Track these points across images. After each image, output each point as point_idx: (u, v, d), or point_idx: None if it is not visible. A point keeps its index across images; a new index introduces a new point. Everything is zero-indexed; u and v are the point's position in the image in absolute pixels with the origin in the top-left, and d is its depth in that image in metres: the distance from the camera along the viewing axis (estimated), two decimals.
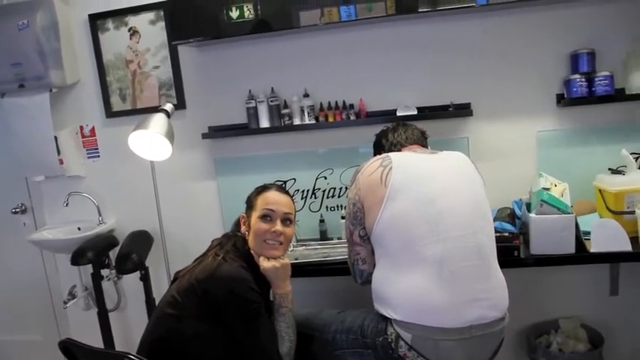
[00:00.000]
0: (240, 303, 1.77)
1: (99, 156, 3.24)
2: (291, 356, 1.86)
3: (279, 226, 1.92)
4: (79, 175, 3.26)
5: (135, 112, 3.09)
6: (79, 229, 3.20)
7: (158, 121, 2.53)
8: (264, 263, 1.91)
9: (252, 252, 1.93)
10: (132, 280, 3.11)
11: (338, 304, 2.15)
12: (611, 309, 2.78)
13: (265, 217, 1.92)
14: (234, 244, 1.94)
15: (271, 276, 1.92)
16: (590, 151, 2.69)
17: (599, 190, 2.47)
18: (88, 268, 3.03)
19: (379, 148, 2.20)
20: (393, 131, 2.18)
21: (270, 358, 1.82)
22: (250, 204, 1.99)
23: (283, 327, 1.88)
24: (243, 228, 1.99)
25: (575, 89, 2.57)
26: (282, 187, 2.04)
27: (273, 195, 1.96)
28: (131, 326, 3.38)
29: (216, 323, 1.78)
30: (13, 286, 3.52)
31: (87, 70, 3.15)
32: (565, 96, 2.64)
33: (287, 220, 1.95)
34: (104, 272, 3.09)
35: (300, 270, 2.36)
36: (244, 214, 2.01)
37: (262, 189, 2.00)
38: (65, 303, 3.27)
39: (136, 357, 1.69)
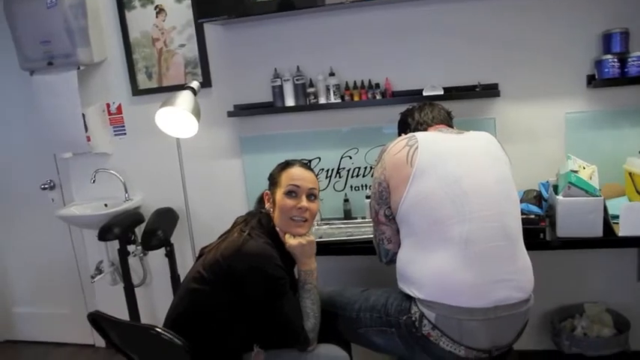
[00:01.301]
0: (266, 279, 1.79)
1: (125, 133, 3.27)
2: (315, 332, 1.87)
3: (304, 202, 1.92)
4: (106, 152, 3.30)
5: (161, 90, 3.11)
6: (105, 205, 3.25)
7: (185, 98, 2.54)
8: (290, 240, 1.92)
9: (277, 229, 1.94)
10: (157, 256, 3.16)
11: (361, 283, 2.15)
12: (638, 294, 2.75)
13: (290, 193, 1.92)
14: (259, 220, 1.95)
15: (297, 253, 1.93)
16: (620, 133, 2.63)
17: (629, 174, 2.42)
18: (115, 244, 3.08)
19: (405, 126, 2.18)
20: (420, 110, 2.15)
21: (296, 334, 1.84)
22: (274, 180, 1.99)
23: (308, 304, 1.89)
24: (267, 205, 1.99)
25: (606, 70, 2.51)
26: (305, 163, 2.04)
27: (297, 171, 1.96)
28: (156, 301, 3.43)
29: (241, 299, 1.80)
30: (42, 260, 3.60)
31: (114, 48, 3.17)
32: (596, 77, 2.58)
33: (312, 195, 1.95)
34: (130, 248, 3.14)
35: (324, 248, 2.37)
36: (268, 191, 2.01)
37: (286, 165, 2.00)
38: (92, 278, 3.33)
39: (162, 330, 1.73)
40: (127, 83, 3.19)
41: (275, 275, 1.80)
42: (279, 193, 1.94)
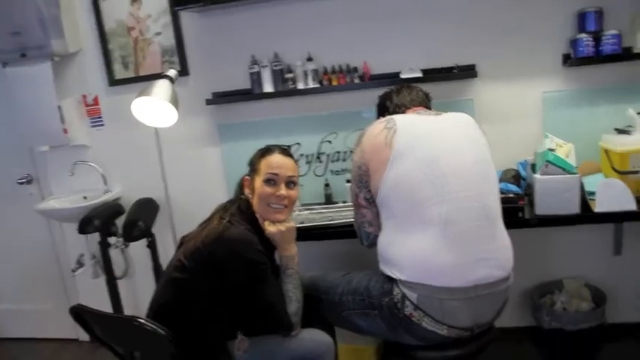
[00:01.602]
0: (248, 265, 1.79)
1: (103, 124, 3.24)
2: (298, 316, 1.88)
3: (283, 190, 1.92)
4: (84, 144, 3.26)
5: (138, 79, 3.08)
6: (85, 197, 3.22)
7: (162, 87, 2.51)
8: (269, 227, 1.92)
9: (256, 215, 1.94)
10: (139, 247, 3.14)
11: (343, 267, 2.16)
12: (615, 268, 2.81)
13: (269, 181, 1.92)
14: (238, 207, 1.95)
15: (277, 239, 1.93)
16: (596, 111, 2.67)
17: (605, 151, 2.46)
18: (95, 237, 3.06)
19: (383, 109, 2.18)
20: (397, 93, 2.16)
21: (279, 318, 1.85)
22: (254, 167, 1.99)
23: (290, 288, 1.90)
24: (247, 191, 1.99)
25: (581, 49, 2.54)
26: (285, 149, 2.02)
27: (276, 158, 1.95)
28: (139, 293, 3.42)
29: (223, 285, 1.80)
30: (22, 256, 3.56)
31: (88, 39, 3.12)
32: (571, 56, 2.60)
33: (291, 183, 1.95)
34: (111, 240, 3.12)
35: (305, 234, 2.37)
36: (248, 177, 2.01)
37: (265, 151, 1.99)
38: (73, 271, 3.30)
39: (145, 320, 1.72)
40: (103, 74, 3.15)
41: (256, 260, 1.80)
42: (259, 181, 1.93)
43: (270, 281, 1.84)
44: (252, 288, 1.81)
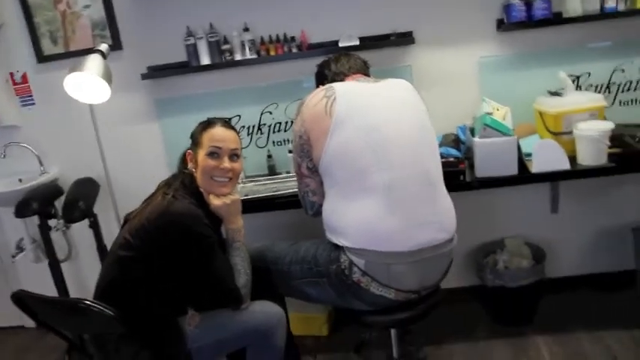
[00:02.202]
0: (194, 238, 1.77)
1: (34, 103, 3.10)
2: (248, 289, 1.88)
3: (227, 163, 1.90)
4: (15, 124, 3.12)
5: (68, 55, 2.95)
6: (20, 180, 3.10)
7: (93, 62, 2.41)
8: (214, 201, 1.90)
9: (200, 189, 1.92)
10: (81, 228, 3.05)
11: (290, 237, 2.17)
12: (552, 226, 2.93)
13: (212, 154, 1.89)
14: (182, 181, 1.92)
15: (222, 212, 1.92)
16: (530, 74, 2.74)
17: (539, 113, 2.54)
18: (34, 220, 2.94)
19: (322, 78, 2.17)
20: (336, 61, 2.15)
21: (228, 291, 1.84)
22: (196, 140, 1.95)
23: (238, 261, 1.90)
24: (190, 165, 1.96)
25: (514, 14, 2.59)
26: (227, 122, 2.00)
27: (218, 131, 1.92)
28: (85, 275, 3.34)
29: (170, 261, 1.78)
30: None
31: (10, 12, 2.95)
32: (505, 21, 2.66)
33: (234, 155, 1.93)
34: (51, 223, 3.01)
35: (250, 206, 2.36)
36: (190, 151, 1.97)
37: (207, 124, 1.96)
38: (13, 257, 3.19)
39: (91, 302, 1.69)
40: (30, 49, 3.00)
41: (203, 234, 1.79)
42: (202, 154, 1.90)
43: (217, 255, 1.83)
44: (200, 262, 1.80)
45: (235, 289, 1.85)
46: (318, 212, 1.98)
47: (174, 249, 1.77)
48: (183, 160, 2.01)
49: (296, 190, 2.11)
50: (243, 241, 1.95)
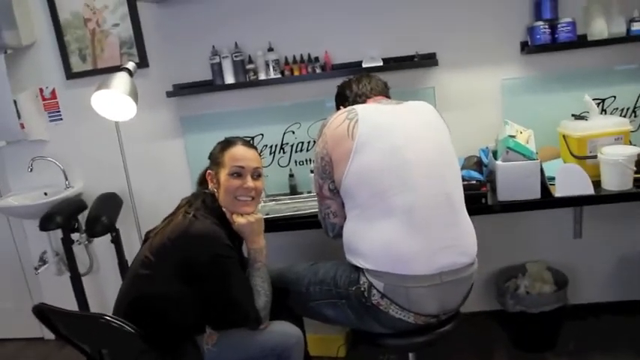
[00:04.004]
0: (215, 259, 1.78)
1: (62, 119, 3.16)
2: (267, 310, 1.88)
3: (250, 182, 1.91)
4: (42, 139, 3.18)
5: (96, 72, 3.01)
6: (45, 194, 3.15)
7: (121, 80, 2.46)
8: (239, 219, 1.91)
9: (223, 209, 1.93)
10: (103, 243, 3.09)
11: (310, 258, 2.17)
12: (575, 251, 2.89)
13: (235, 174, 1.90)
14: (203, 201, 1.93)
15: (246, 232, 1.92)
16: (554, 97, 2.72)
17: (563, 136, 2.51)
18: (58, 233, 3.00)
19: (342, 99, 2.17)
20: (358, 82, 2.15)
21: (246, 312, 1.84)
22: (216, 161, 1.96)
23: (259, 282, 1.90)
24: (210, 185, 1.97)
25: (538, 36, 2.58)
26: (247, 141, 2.01)
27: (240, 150, 1.93)
28: (105, 289, 3.37)
29: (191, 281, 1.78)
30: None
31: (43, 31, 3.04)
32: (529, 43, 2.65)
33: (256, 174, 1.94)
34: (74, 236, 3.05)
35: (271, 225, 2.36)
36: (210, 171, 1.98)
37: (227, 144, 1.97)
38: (36, 269, 3.24)
39: (112, 317, 1.70)
40: (59, 67, 3.07)
41: (224, 254, 1.79)
42: (224, 174, 1.92)
43: (237, 275, 1.83)
44: (219, 283, 1.79)
45: (254, 310, 1.84)
46: (339, 234, 1.98)
47: (194, 268, 1.77)
48: (203, 180, 2.03)
49: (317, 210, 2.11)
50: (265, 261, 1.95)
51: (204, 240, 1.78)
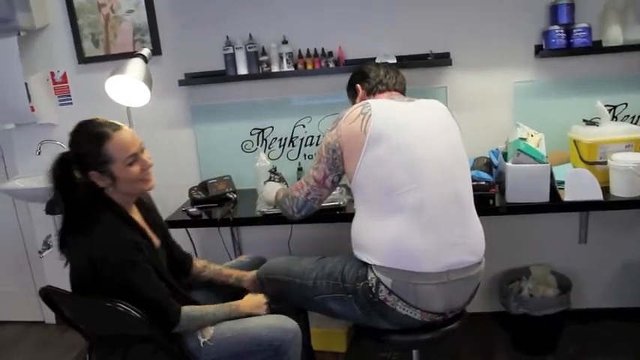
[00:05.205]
0: (117, 267, 1.74)
1: (72, 103, 3.16)
2: (187, 322, 1.85)
3: (146, 159, 1.89)
4: (52, 122, 3.18)
5: (108, 57, 3.01)
6: None
7: (136, 65, 2.46)
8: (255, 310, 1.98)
9: (115, 199, 1.87)
10: None
11: (317, 251, 2.17)
12: (580, 256, 2.89)
13: (132, 162, 1.83)
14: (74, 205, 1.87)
15: (253, 307, 1.99)
16: (566, 102, 2.72)
17: (574, 141, 2.51)
18: None
19: (362, 78, 2.11)
20: (385, 70, 2.10)
21: (164, 311, 1.81)
22: (98, 160, 1.79)
23: (210, 316, 1.90)
24: (102, 183, 1.83)
25: (553, 40, 2.58)
26: (114, 123, 1.85)
27: (121, 138, 1.82)
28: None
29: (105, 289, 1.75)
30: None
31: (57, 14, 3.03)
32: (543, 47, 2.64)
33: (142, 148, 1.91)
34: None
35: (277, 219, 2.36)
36: (93, 172, 1.81)
37: (100, 139, 1.79)
38: (41, 253, 3.24)
39: (117, 302, 1.68)
40: (72, 51, 3.07)
41: (127, 259, 1.75)
42: (118, 168, 1.80)
43: (145, 276, 1.79)
44: (131, 286, 1.74)
45: (174, 306, 1.82)
46: (305, 217, 2.03)
47: (106, 283, 1.74)
48: (54, 203, 1.94)
49: (327, 204, 2.10)
50: (237, 313, 1.96)
51: (99, 253, 1.75)
